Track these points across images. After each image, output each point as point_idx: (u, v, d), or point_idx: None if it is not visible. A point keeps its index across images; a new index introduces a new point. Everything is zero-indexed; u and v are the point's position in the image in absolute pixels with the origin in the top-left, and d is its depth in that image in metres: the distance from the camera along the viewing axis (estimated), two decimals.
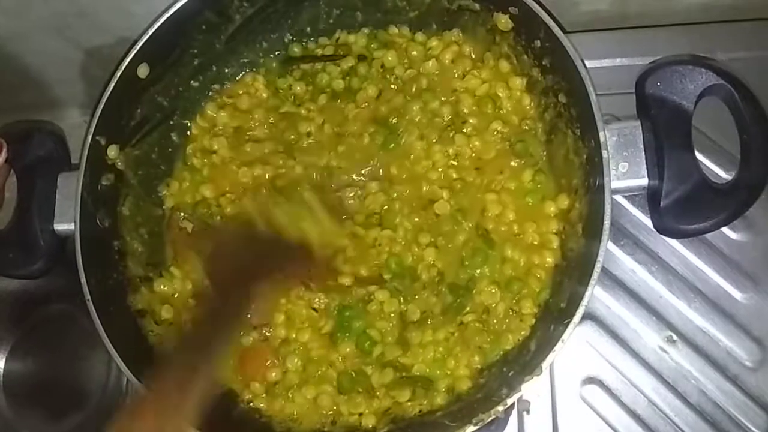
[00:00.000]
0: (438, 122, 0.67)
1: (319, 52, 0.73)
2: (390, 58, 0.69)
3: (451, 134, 0.66)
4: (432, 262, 0.64)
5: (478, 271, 0.63)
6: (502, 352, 0.62)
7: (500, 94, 0.67)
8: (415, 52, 0.70)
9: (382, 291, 0.63)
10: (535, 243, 0.63)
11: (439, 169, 0.66)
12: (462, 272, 0.64)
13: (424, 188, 0.66)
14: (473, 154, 0.66)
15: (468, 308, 0.63)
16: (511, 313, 0.62)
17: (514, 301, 0.62)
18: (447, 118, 0.67)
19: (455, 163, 0.66)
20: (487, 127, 0.66)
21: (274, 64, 0.73)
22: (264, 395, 0.64)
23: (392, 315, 0.63)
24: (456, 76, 0.68)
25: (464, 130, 0.66)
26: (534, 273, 0.62)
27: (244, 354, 0.65)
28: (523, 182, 0.64)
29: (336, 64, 0.71)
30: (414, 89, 0.68)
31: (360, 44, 0.72)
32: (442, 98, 0.68)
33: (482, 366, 0.62)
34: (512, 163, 0.65)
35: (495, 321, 0.62)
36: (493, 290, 0.62)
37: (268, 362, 0.64)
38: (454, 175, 0.66)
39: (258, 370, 0.64)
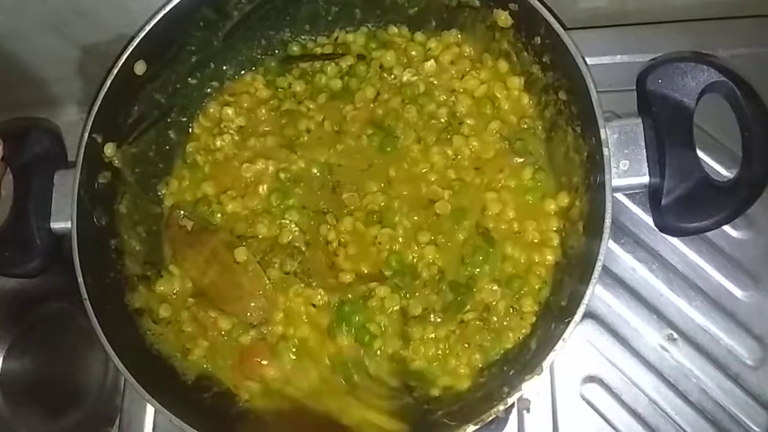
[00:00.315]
0: (435, 124, 0.67)
1: (318, 51, 0.72)
2: (389, 58, 0.69)
3: (449, 136, 0.66)
4: (432, 260, 0.64)
5: (478, 270, 0.63)
6: (502, 351, 0.62)
7: (498, 95, 0.67)
8: (414, 53, 0.69)
9: (383, 287, 0.63)
10: (536, 241, 0.63)
11: (438, 170, 0.66)
12: (462, 270, 0.63)
13: (424, 189, 0.65)
14: (472, 155, 0.66)
15: (468, 306, 0.63)
16: (511, 311, 0.62)
17: (514, 299, 0.62)
18: (444, 120, 0.67)
19: (454, 164, 0.66)
20: (485, 127, 0.66)
21: (273, 63, 0.73)
22: (262, 394, 0.64)
23: (393, 310, 0.63)
24: (454, 76, 0.68)
25: (462, 131, 0.66)
26: (534, 271, 0.62)
27: (242, 353, 0.65)
28: (523, 180, 0.64)
29: (335, 63, 0.71)
30: (409, 92, 0.68)
31: (359, 43, 0.72)
32: (442, 98, 0.67)
33: (483, 365, 0.62)
34: (512, 162, 0.65)
35: (495, 319, 0.62)
36: (494, 288, 0.62)
37: (266, 361, 0.64)
38: (453, 176, 0.65)
39: (256, 369, 0.64)
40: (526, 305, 0.62)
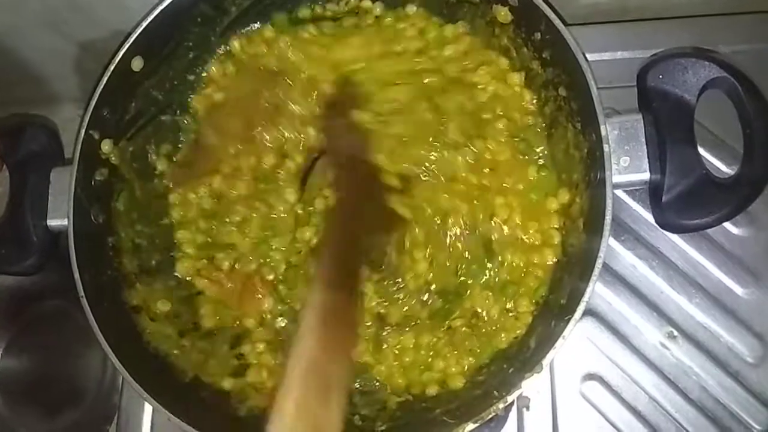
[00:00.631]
0: (465, 120, 0.64)
1: (329, 14, 0.70)
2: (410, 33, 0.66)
3: (479, 134, 0.63)
4: (421, 274, 0.63)
5: (471, 281, 0.62)
6: (496, 351, 0.61)
7: (502, 94, 0.65)
8: (432, 35, 0.67)
9: (368, 284, 0.62)
10: (537, 243, 0.62)
11: (460, 179, 0.63)
12: (454, 280, 0.63)
13: (445, 202, 0.63)
14: (488, 156, 0.64)
15: (457, 313, 0.62)
16: (506, 311, 0.62)
17: (509, 303, 0.62)
18: (471, 114, 0.64)
19: (476, 167, 0.64)
20: (496, 125, 0.64)
21: (283, 16, 0.70)
22: (260, 329, 0.65)
23: (370, 313, 0.63)
24: (469, 68, 0.66)
25: (486, 130, 0.64)
26: (532, 272, 0.62)
27: (242, 289, 0.66)
28: (528, 178, 0.63)
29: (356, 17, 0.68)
30: (442, 74, 0.65)
31: (375, 12, 0.69)
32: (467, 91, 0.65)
33: (477, 366, 0.61)
34: (518, 160, 0.63)
35: (488, 323, 0.61)
36: (487, 294, 0.62)
37: (260, 295, 0.65)
38: (474, 181, 0.63)
39: (252, 304, 0.65)
40: (522, 306, 0.61)
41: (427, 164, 0.63)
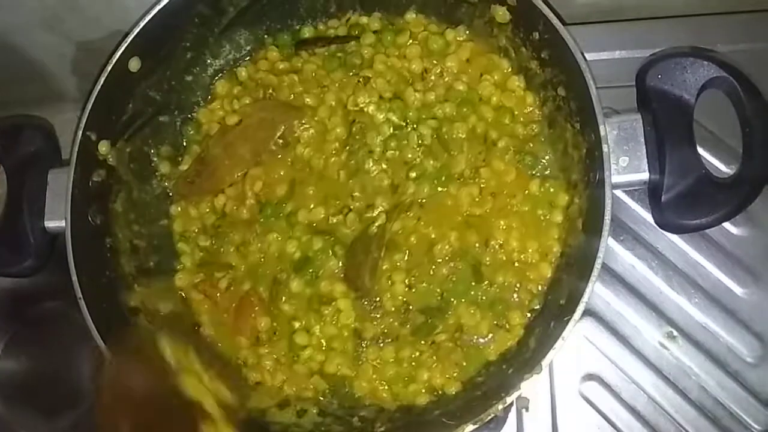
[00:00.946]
0: (477, 144, 0.63)
1: (332, 33, 0.70)
2: (413, 51, 0.66)
3: (486, 156, 0.63)
4: (399, 295, 0.62)
5: (454, 300, 0.62)
6: (484, 362, 0.61)
7: (507, 103, 0.64)
8: (435, 46, 0.66)
9: (345, 300, 0.62)
10: (534, 261, 0.62)
11: (460, 213, 0.63)
12: (435, 300, 0.62)
13: (433, 233, 0.63)
14: (494, 182, 0.63)
15: (440, 327, 0.61)
16: (496, 325, 0.61)
17: (497, 322, 0.61)
18: (481, 137, 0.64)
19: (478, 201, 0.63)
20: (500, 144, 0.63)
21: (285, 36, 0.71)
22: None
23: (347, 328, 0.63)
24: (476, 81, 0.65)
25: (494, 153, 0.63)
26: (525, 287, 0.61)
27: (237, 309, 0.65)
28: (535, 195, 0.62)
29: (357, 41, 0.68)
30: (453, 96, 0.65)
31: (373, 26, 0.69)
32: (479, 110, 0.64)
33: (469, 376, 0.61)
34: (523, 178, 0.62)
35: (475, 335, 0.61)
36: (473, 310, 0.61)
37: (253, 314, 0.64)
38: (478, 212, 0.63)
39: (247, 323, 0.64)
40: (514, 319, 0.61)
41: (422, 198, 0.63)
